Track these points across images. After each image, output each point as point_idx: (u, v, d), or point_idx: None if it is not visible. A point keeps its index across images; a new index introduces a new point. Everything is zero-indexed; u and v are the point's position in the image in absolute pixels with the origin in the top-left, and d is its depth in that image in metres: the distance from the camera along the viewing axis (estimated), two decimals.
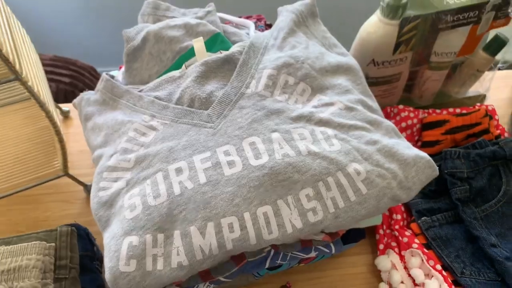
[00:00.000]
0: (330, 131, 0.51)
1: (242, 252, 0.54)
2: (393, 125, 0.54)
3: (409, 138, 0.70)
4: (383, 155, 0.50)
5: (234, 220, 0.45)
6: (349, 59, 0.59)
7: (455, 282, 0.58)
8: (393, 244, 0.62)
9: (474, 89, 0.84)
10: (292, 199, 0.46)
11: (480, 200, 0.64)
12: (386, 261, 0.60)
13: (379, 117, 0.54)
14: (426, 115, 0.71)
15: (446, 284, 0.56)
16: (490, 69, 0.82)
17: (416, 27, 0.65)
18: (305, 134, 0.50)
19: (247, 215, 0.45)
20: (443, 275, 0.57)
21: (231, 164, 0.47)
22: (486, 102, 0.84)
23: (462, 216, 0.62)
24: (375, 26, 0.66)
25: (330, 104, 0.53)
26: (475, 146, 0.66)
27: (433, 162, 0.51)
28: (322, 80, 0.56)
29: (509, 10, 0.68)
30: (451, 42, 0.70)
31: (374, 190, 0.48)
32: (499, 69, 0.84)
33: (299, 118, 0.52)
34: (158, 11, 0.68)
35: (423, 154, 0.51)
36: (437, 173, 0.51)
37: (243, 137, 0.49)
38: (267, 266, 0.56)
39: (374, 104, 0.56)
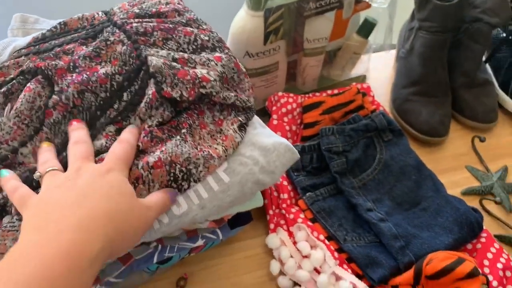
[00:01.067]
0: None
1: (128, 252, 0.55)
2: (257, 118, 0.58)
3: (292, 122, 0.74)
4: (245, 144, 0.53)
5: None
6: None
7: (340, 249, 0.62)
8: (282, 222, 0.65)
9: (355, 72, 0.89)
10: None
11: (358, 170, 0.68)
12: (275, 239, 0.63)
13: None
14: (305, 99, 0.75)
15: (329, 252, 0.60)
16: (368, 51, 0.88)
17: (281, 17, 0.69)
18: None
19: None
20: (326, 244, 0.61)
21: None
22: (368, 81, 0.90)
23: (341, 187, 0.66)
24: (243, 19, 0.69)
25: None
26: (349, 121, 0.71)
27: (292, 146, 0.54)
28: None
29: None
30: (319, 28, 0.75)
31: (237, 177, 0.51)
32: (374, 51, 0.91)
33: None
34: (26, 25, 0.67)
35: (282, 140, 0.55)
36: (297, 155, 0.55)
37: None
38: (156, 260, 0.57)
39: None
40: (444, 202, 0.64)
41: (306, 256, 0.61)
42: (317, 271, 0.60)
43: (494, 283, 0.58)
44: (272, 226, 0.65)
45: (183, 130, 0.52)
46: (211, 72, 0.52)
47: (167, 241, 0.57)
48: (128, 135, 0.49)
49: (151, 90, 0.51)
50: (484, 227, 0.63)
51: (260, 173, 0.52)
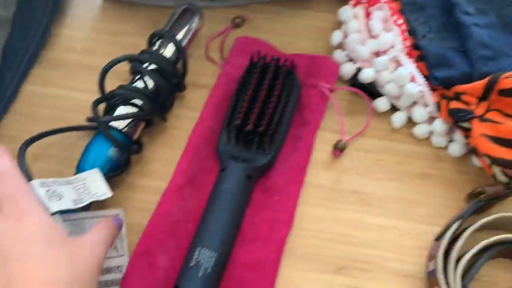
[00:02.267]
0: None
1: None
2: None
3: None
4: None
5: None
6: None
7: (416, 46, 0.54)
8: (364, 0, 0.57)
9: None
10: None
11: None
12: (348, 10, 0.57)
13: None
14: None
15: (401, 38, 0.52)
16: None
17: None
18: None
19: None
20: (401, 30, 0.53)
21: None
22: None
23: None
24: None
25: None
26: None
27: None
28: None
29: None
30: None
31: None
32: None
33: None
34: None
35: None
36: None
37: None
38: None
39: None
40: None
41: (374, 37, 0.54)
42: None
43: None
44: (353, 1, 0.58)
45: None
46: None
47: None
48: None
49: None
50: None
51: None
